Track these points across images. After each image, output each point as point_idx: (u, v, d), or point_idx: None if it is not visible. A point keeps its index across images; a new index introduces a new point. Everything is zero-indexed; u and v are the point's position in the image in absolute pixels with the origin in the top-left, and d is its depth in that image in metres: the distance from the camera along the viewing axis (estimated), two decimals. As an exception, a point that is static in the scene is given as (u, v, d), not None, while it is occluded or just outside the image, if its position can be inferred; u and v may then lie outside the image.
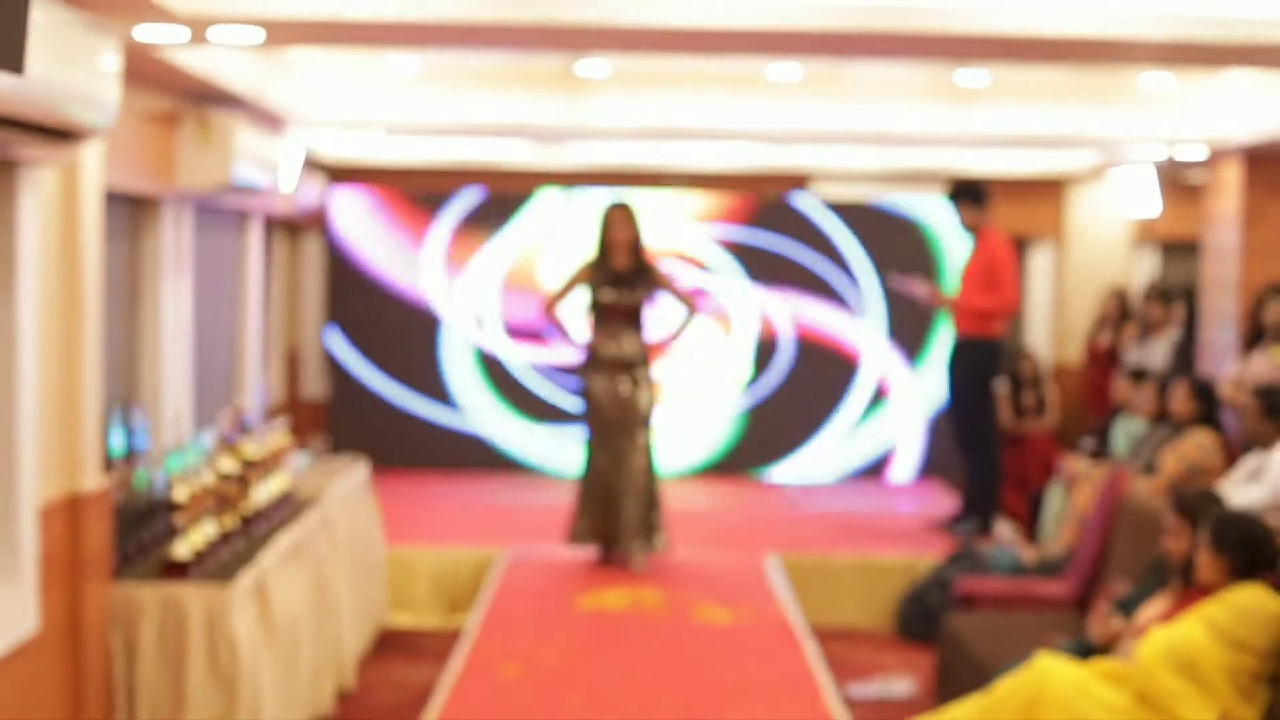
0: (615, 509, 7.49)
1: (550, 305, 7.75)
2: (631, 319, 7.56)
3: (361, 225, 10.59)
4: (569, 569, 7.53)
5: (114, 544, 5.07)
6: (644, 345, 7.60)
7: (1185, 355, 9.45)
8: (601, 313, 7.58)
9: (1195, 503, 4.87)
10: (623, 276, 7.52)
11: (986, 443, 8.41)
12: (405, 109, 8.41)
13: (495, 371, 10.58)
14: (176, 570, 5.04)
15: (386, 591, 7.57)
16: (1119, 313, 10.44)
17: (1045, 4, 4.89)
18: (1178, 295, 9.91)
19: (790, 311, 10.52)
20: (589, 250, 7.70)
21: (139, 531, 5.40)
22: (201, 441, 6.29)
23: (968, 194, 8.31)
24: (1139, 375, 8.13)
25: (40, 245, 4.48)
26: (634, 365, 7.55)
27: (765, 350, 10.57)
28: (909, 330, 10.41)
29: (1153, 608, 4.88)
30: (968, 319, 8.27)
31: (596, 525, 7.57)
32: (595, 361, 7.58)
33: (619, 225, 7.51)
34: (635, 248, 7.53)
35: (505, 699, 5.50)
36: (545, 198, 10.60)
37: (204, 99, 6.64)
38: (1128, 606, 5.05)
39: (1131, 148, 9.03)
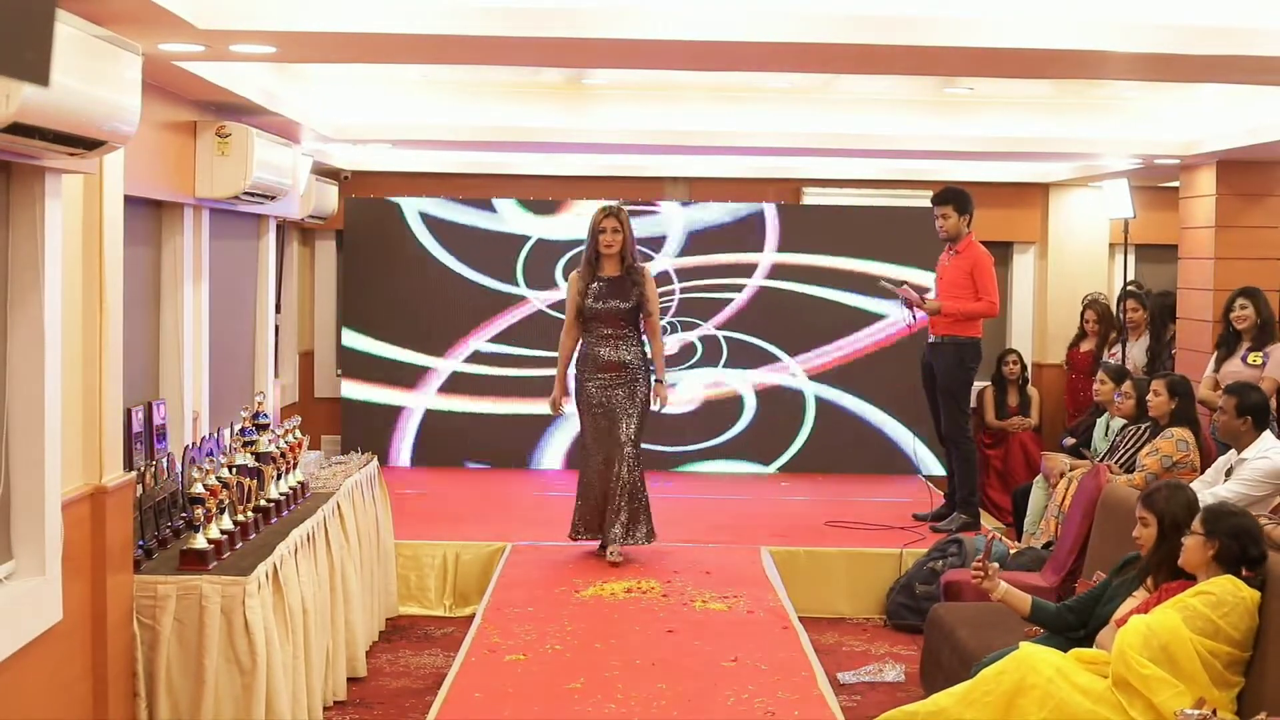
0: (608, 505, 7.56)
1: (569, 328, 7.69)
2: (624, 323, 7.55)
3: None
4: (571, 561, 7.61)
5: (135, 536, 5.12)
6: (640, 349, 7.59)
7: (1161, 356, 9.60)
8: (594, 318, 7.56)
9: (1163, 495, 4.92)
10: (613, 282, 7.53)
11: (964, 437, 8.52)
12: (414, 118, 8.55)
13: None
14: (195, 562, 5.09)
15: (396, 582, 7.64)
16: (1099, 323, 10.59)
17: (1026, 20, 4.97)
18: (1155, 298, 10.06)
19: None
20: (581, 258, 7.66)
21: (159, 524, 5.49)
22: (219, 438, 6.45)
23: (953, 201, 8.41)
24: (1119, 375, 8.24)
25: (65, 249, 4.49)
26: (628, 369, 7.54)
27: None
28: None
29: (1128, 606, 4.97)
30: (950, 321, 8.40)
31: (593, 521, 7.66)
32: (589, 365, 7.57)
33: (608, 231, 7.50)
34: (624, 254, 7.53)
35: (511, 683, 5.56)
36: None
37: (223, 109, 6.74)
38: (1101, 596, 5.16)
39: (1108, 156, 9.17)
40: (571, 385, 7.74)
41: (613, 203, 7.90)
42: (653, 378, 7.62)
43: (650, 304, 7.60)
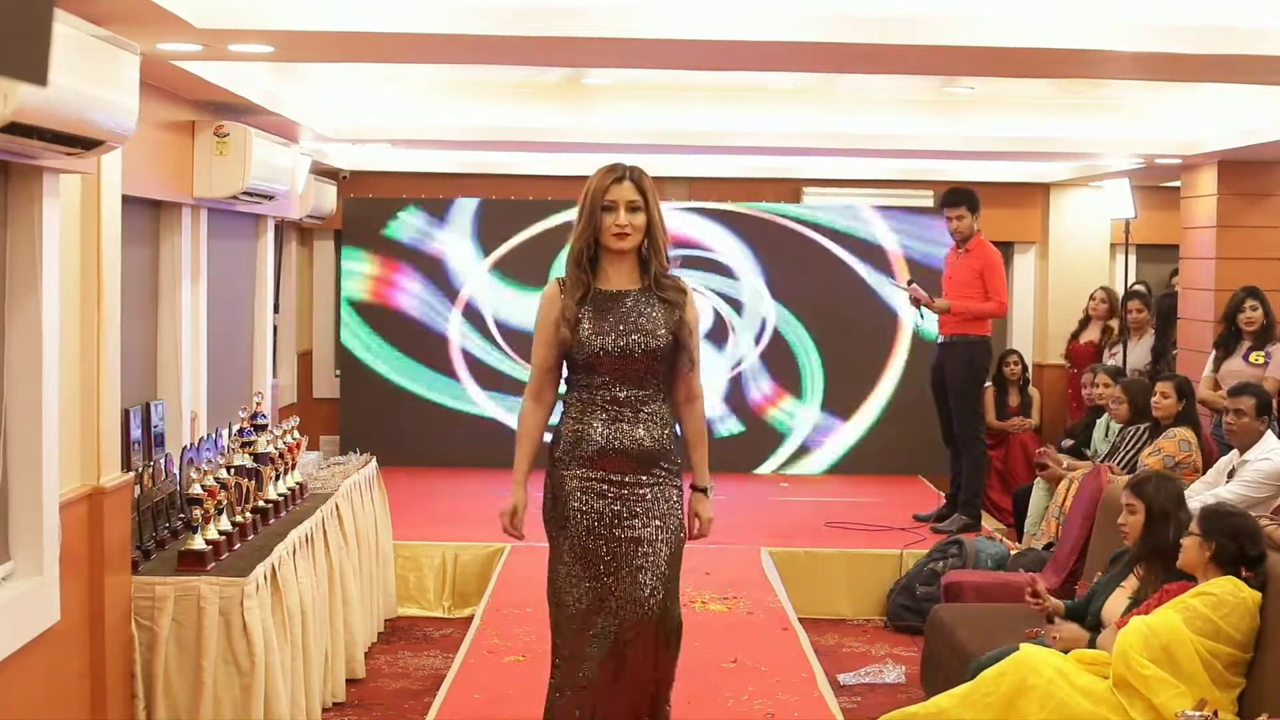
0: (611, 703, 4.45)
1: (538, 388, 4.38)
2: (647, 376, 4.23)
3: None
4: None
5: (133, 537, 5.11)
6: (670, 423, 4.30)
7: (1165, 355, 9.60)
8: (592, 365, 4.23)
9: (1152, 483, 4.99)
10: (627, 301, 4.25)
11: (975, 439, 8.53)
12: (413, 118, 8.54)
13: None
14: (194, 563, 5.09)
15: (395, 584, 7.63)
16: (1108, 313, 10.59)
17: (1026, 20, 4.98)
18: (1157, 298, 10.06)
19: None
20: (566, 257, 4.33)
21: (157, 525, 5.49)
22: (218, 439, 6.44)
23: (963, 201, 8.42)
24: (1120, 376, 8.23)
25: (62, 249, 4.49)
26: (649, 461, 4.24)
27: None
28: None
29: (1116, 598, 4.99)
30: (959, 320, 8.41)
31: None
32: (577, 452, 4.30)
33: (620, 209, 4.18)
34: (647, 250, 4.26)
35: (510, 684, 5.57)
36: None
37: (221, 109, 6.74)
38: (1094, 594, 5.17)
39: (1109, 156, 9.18)
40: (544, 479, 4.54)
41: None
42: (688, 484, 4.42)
43: (693, 340, 4.31)
